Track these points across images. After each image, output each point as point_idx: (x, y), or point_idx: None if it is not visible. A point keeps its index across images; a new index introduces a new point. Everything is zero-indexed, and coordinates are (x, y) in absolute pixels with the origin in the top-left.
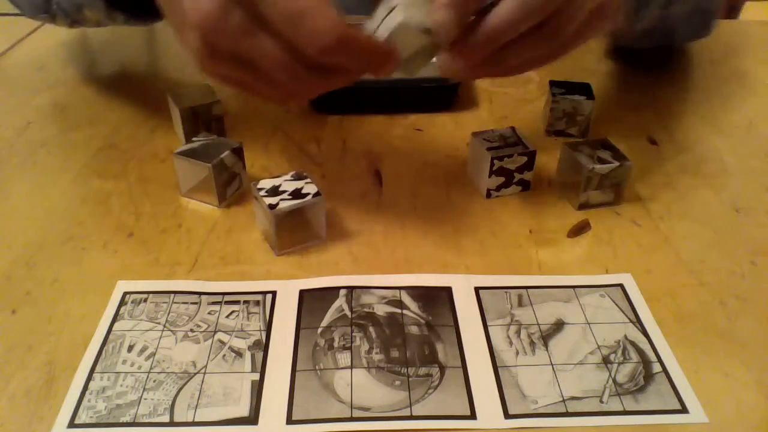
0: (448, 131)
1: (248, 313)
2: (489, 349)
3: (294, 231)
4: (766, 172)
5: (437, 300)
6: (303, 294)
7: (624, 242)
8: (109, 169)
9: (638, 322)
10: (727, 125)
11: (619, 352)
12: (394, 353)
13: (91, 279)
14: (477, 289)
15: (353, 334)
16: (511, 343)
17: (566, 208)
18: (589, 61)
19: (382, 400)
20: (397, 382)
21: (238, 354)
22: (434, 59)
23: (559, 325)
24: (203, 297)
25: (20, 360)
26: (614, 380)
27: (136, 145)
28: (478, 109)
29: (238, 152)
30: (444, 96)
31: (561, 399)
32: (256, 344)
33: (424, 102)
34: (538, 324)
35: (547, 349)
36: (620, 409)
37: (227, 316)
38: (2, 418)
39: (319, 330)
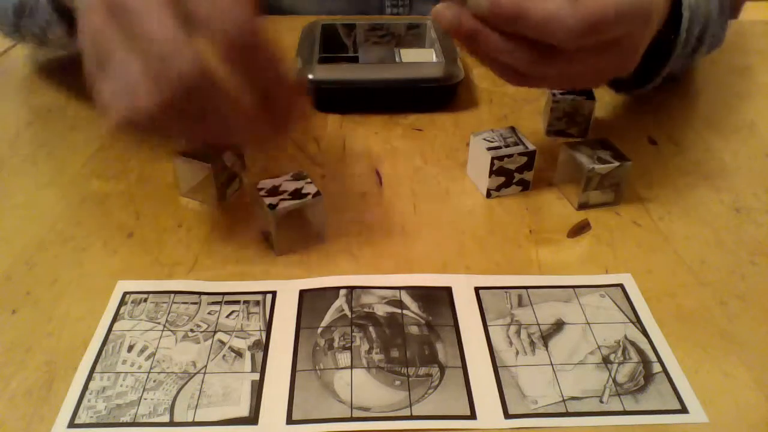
0: (448, 131)
1: (248, 313)
2: (489, 349)
3: (294, 231)
4: (766, 172)
5: (437, 300)
6: (303, 294)
7: (624, 242)
8: (109, 170)
9: (638, 322)
10: (727, 125)
11: (619, 352)
12: (394, 353)
13: (91, 279)
14: (477, 289)
15: (353, 334)
16: (511, 343)
17: (566, 208)
18: None
19: (382, 400)
20: (397, 382)
21: (238, 354)
22: None
23: (559, 325)
24: (203, 297)
25: (20, 360)
26: (614, 380)
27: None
28: (478, 109)
29: (238, 152)
30: (444, 95)
31: (561, 399)
32: (256, 344)
33: (424, 102)
34: (538, 324)
35: (547, 349)
36: (620, 409)
37: (227, 316)
38: (2, 418)
39: (319, 330)
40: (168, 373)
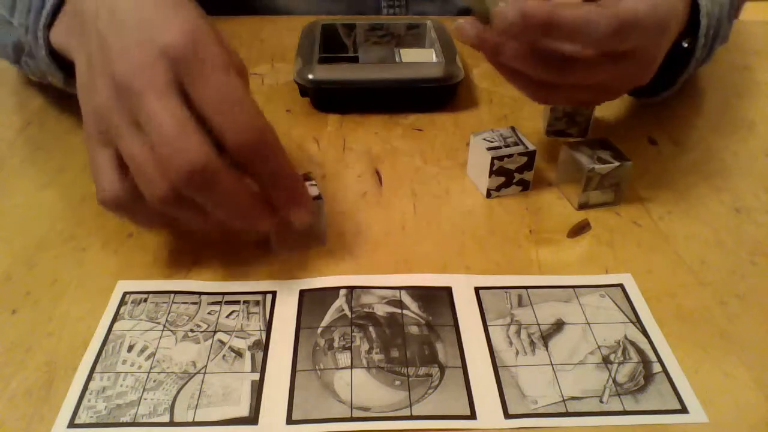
0: (448, 131)
1: (248, 313)
2: (489, 349)
3: (294, 234)
4: (766, 172)
5: (437, 300)
6: (303, 294)
7: (624, 242)
8: None
9: (638, 322)
10: (727, 125)
11: (619, 352)
12: (394, 353)
13: (91, 279)
14: (477, 289)
15: (353, 334)
16: (511, 343)
17: (566, 208)
18: None
19: (382, 400)
20: (397, 382)
21: (238, 354)
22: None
23: (559, 325)
24: (203, 297)
25: (20, 360)
26: (614, 380)
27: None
28: (478, 109)
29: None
30: (444, 95)
31: (561, 399)
32: (256, 344)
33: (424, 102)
34: (538, 324)
35: (547, 349)
36: (620, 409)
37: (227, 316)
38: (2, 418)
39: (319, 330)
40: (168, 373)
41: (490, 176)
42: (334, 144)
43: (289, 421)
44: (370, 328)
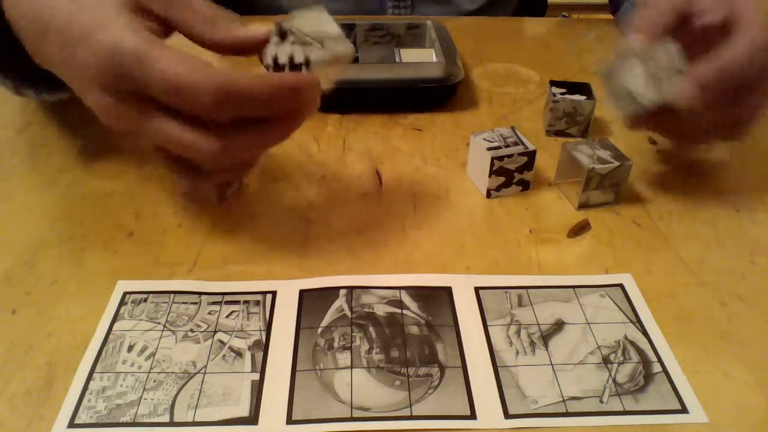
0: (448, 131)
1: (248, 313)
2: (489, 349)
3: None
4: (766, 172)
5: (437, 300)
6: (303, 294)
7: (624, 242)
8: (109, 170)
9: (638, 322)
10: None
11: (619, 352)
12: (394, 353)
13: (91, 279)
14: (477, 289)
15: (353, 334)
16: (511, 343)
17: (566, 208)
18: (589, 61)
19: (382, 400)
20: (397, 382)
21: (238, 354)
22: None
23: (559, 325)
24: (203, 297)
25: (20, 360)
26: (614, 380)
27: (136, 145)
28: (478, 109)
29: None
30: (444, 95)
31: (561, 399)
32: (256, 344)
33: (424, 102)
34: (538, 324)
35: (547, 349)
36: (620, 409)
37: (227, 316)
38: (2, 418)
39: (319, 330)
40: (168, 373)
41: (490, 176)
42: (334, 144)
43: (289, 421)
44: (370, 328)
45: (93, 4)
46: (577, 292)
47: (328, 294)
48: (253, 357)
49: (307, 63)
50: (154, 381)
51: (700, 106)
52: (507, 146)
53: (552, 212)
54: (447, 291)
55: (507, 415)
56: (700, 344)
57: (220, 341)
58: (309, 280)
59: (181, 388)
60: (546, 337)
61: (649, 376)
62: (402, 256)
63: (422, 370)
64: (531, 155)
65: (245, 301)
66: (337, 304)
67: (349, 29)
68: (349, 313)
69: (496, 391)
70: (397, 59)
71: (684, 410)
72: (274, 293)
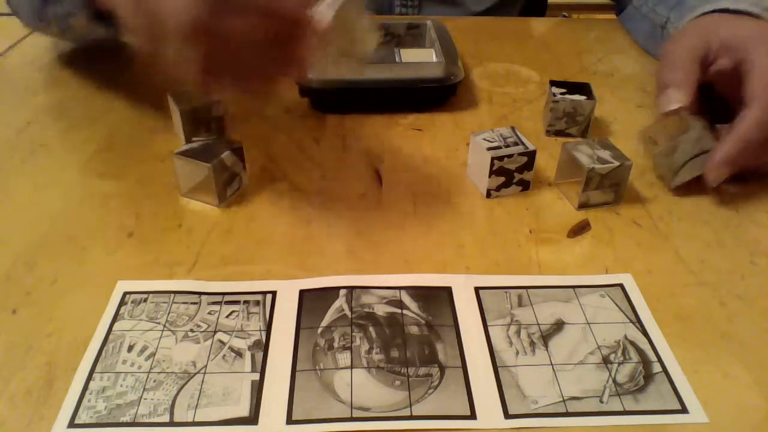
0: (448, 131)
1: (248, 313)
2: (489, 349)
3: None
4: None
5: (437, 300)
6: (303, 294)
7: (624, 242)
8: (109, 169)
9: (638, 322)
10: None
11: (619, 352)
12: (394, 353)
13: (91, 279)
14: (477, 289)
15: (353, 334)
16: (511, 343)
17: (566, 208)
18: (589, 61)
19: (382, 400)
20: (397, 382)
21: (238, 354)
22: None
23: (559, 325)
24: (203, 297)
25: (20, 360)
26: (614, 380)
27: (136, 145)
28: (478, 109)
29: (238, 152)
30: (444, 95)
31: (561, 399)
32: (256, 344)
33: (424, 101)
34: (538, 324)
35: (547, 349)
36: (620, 409)
37: (227, 316)
38: (2, 418)
39: (319, 330)
40: (168, 373)
41: (490, 176)
42: (334, 144)
43: (289, 421)
44: (370, 328)
45: None
46: (577, 292)
47: (328, 294)
48: (253, 357)
49: None
50: (154, 381)
51: (730, 174)
52: (507, 146)
53: (552, 212)
54: (447, 291)
55: (507, 415)
56: (700, 344)
57: (220, 341)
58: (309, 280)
59: (181, 388)
60: (546, 337)
61: (649, 376)
62: (402, 256)
63: (422, 370)
64: (531, 155)
65: (245, 301)
66: (337, 304)
67: None
68: (349, 313)
69: (496, 391)
70: (397, 59)
71: (684, 410)
72: (274, 293)
